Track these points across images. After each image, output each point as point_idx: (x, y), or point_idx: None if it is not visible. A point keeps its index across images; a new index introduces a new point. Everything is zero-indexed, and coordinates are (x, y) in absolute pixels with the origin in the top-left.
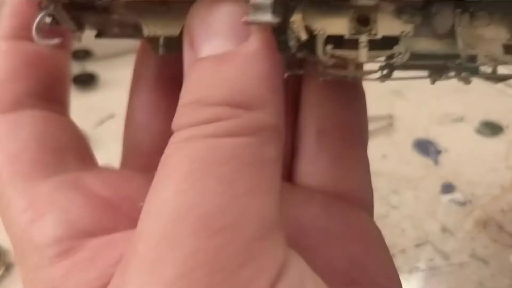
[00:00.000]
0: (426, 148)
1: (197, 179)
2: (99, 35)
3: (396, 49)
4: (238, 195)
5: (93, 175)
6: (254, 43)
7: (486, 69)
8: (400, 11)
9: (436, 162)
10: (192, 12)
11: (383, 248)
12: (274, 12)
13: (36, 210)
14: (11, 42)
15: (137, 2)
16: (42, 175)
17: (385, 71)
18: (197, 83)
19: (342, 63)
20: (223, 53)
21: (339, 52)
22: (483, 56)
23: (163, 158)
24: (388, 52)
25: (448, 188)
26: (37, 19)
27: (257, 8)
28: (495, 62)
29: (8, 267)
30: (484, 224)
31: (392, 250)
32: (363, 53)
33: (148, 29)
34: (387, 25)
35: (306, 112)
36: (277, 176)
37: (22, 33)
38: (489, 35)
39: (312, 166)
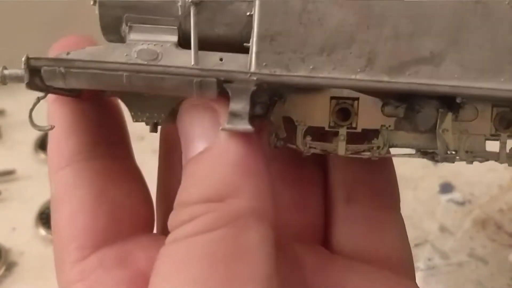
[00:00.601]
0: None
1: (173, 282)
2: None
3: (375, 142)
4: None
5: (141, 247)
6: (223, 137)
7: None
8: (384, 103)
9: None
10: (178, 119)
11: None
12: (257, 105)
13: (84, 286)
14: (60, 99)
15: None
16: (93, 245)
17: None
18: (183, 186)
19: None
20: (199, 153)
21: (318, 144)
22: (464, 151)
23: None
24: (367, 146)
25: (447, 188)
26: (31, 107)
27: (235, 115)
28: (475, 158)
29: (9, 267)
30: (483, 223)
31: None
32: (341, 146)
33: (136, 116)
34: (368, 118)
35: (334, 180)
36: (262, 261)
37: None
38: (473, 129)
39: (345, 233)
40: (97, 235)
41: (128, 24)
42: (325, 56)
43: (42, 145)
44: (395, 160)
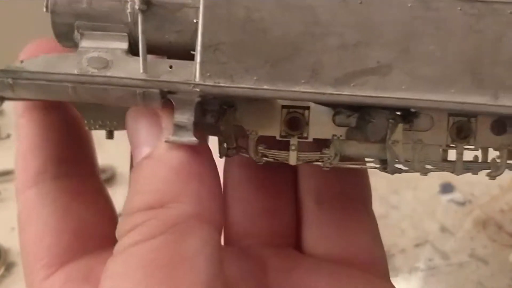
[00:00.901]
0: None
1: None
2: None
3: (326, 152)
4: None
5: (106, 262)
6: (164, 143)
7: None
8: (336, 112)
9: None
10: (126, 125)
11: None
12: (208, 114)
13: None
14: (28, 114)
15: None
16: (59, 261)
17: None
18: (128, 193)
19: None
20: (142, 158)
21: (270, 153)
22: (418, 162)
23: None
24: (318, 156)
25: (447, 188)
26: None
27: (180, 127)
28: (430, 169)
29: (8, 267)
30: (483, 224)
31: (392, 250)
32: (292, 156)
33: (89, 124)
34: (319, 127)
35: (304, 182)
36: (204, 266)
37: (38, 105)
38: (428, 139)
39: (316, 235)
40: (63, 252)
41: (80, 31)
42: (269, 66)
43: None
44: None
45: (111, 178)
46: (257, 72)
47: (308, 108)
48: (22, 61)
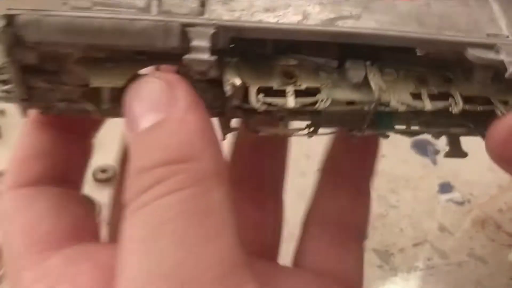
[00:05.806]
0: (424, 148)
1: (150, 244)
2: (44, 112)
3: (319, 96)
4: (191, 247)
5: (102, 245)
6: (182, 106)
7: (401, 126)
8: (318, 69)
9: (434, 162)
10: (126, 95)
11: None
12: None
13: (48, 282)
14: (35, 124)
15: (87, 58)
16: (55, 247)
17: (311, 129)
18: (138, 154)
19: (273, 122)
20: (154, 124)
21: (270, 100)
22: (395, 101)
23: (121, 233)
24: (313, 99)
25: (446, 187)
26: None
27: (197, 49)
28: (406, 106)
29: None
30: (482, 223)
31: (391, 250)
32: (291, 99)
33: (96, 81)
34: (309, 79)
35: (314, 205)
36: (227, 219)
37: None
38: (397, 85)
39: (314, 250)
40: (60, 239)
41: None
42: (270, 12)
43: None
44: (394, 160)
45: (112, 178)
46: (259, 16)
47: (298, 65)
48: (9, 9)
